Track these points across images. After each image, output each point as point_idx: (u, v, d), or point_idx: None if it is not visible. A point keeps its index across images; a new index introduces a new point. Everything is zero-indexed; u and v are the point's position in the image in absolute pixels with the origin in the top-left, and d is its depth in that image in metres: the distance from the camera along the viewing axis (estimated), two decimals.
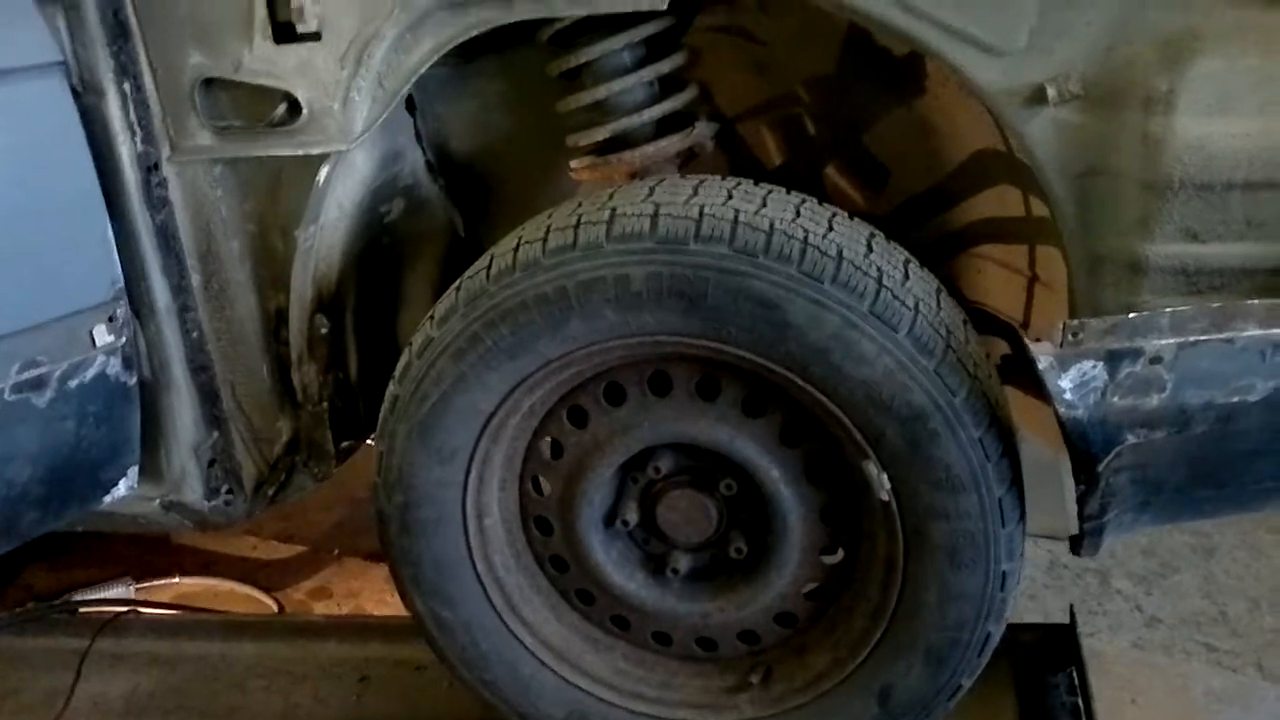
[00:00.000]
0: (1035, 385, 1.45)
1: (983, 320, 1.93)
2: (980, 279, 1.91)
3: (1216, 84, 1.34)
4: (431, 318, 1.59)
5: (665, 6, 1.50)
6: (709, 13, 1.75)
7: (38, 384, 1.63)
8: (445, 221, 1.98)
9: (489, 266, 1.54)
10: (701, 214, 1.45)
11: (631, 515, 1.67)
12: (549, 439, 1.67)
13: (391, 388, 1.63)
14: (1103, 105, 1.39)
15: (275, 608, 2.56)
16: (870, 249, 1.49)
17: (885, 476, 1.50)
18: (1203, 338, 1.37)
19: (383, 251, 1.89)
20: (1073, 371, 1.37)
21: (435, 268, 1.99)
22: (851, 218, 1.56)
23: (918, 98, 1.79)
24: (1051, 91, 1.40)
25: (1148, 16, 1.37)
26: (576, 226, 1.49)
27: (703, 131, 1.75)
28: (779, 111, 1.94)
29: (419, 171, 1.89)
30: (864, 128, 1.89)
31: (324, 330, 1.80)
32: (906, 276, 1.49)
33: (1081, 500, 1.47)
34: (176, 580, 2.68)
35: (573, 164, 1.79)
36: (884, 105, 1.84)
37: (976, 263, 1.91)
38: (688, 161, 1.79)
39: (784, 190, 1.57)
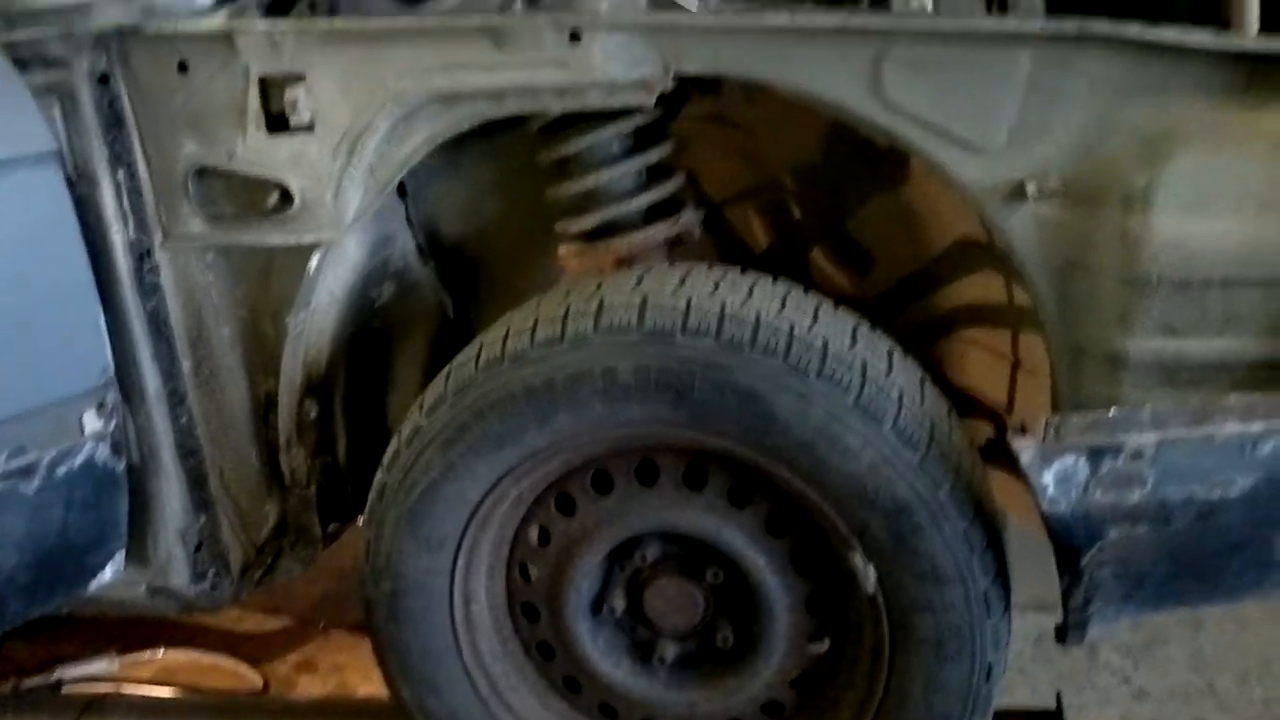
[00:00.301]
0: (1019, 472, 1.46)
1: (968, 403, 1.95)
2: (965, 363, 1.93)
3: (1193, 183, 1.37)
4: (420, 406, 1.60)
5: (653, 103, 1.53)
6: (696, 102, 1.78)
7: (26, 471, 1.63)
8: (435, 303, 1.99)
9: (478, 356, 1.55)
10: (689, 306, 1.47)
11: (619, 603, 1.67)
12: (537, 526, 1.68)
13: (380, 475, 1.64)
14: (1082, 202, 1.42)
15: (260, 682, 2.54)
16: (855, 340, 1.51)
17: (871, 568, 1.50)
18: (1182, 434, 1.38)
19: (372, 334, 1.90)
20: (1055, 466, 1.38)
21: (425, 349, 2.00)
22: (837, 307, 1.58)
23: (901, 185, 1.82)
24: (1031, 188, 1.43)
25: (1125, 116, 1.40)
26: (565, 318, 1.51)
27: (690, 219, 1.78)
28: (765, 197, 1.97)
29: (409, 255, 1.91)
30: (849, 213, 1.92)
31: (313, 414, 1.81)
32: (891, 368, 1.51)
33: (1066, 592, 1.48)
34: (161, 653, 2.65)
35: (562, 250, 1.81)
36: (868, 192, 1.87)
37: (961, 347, 1.93)
38: (675, 246, 1.82)
39: (770, 279, 1.59)
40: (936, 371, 1.95)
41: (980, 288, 1.81)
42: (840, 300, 1.91)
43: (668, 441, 1.55)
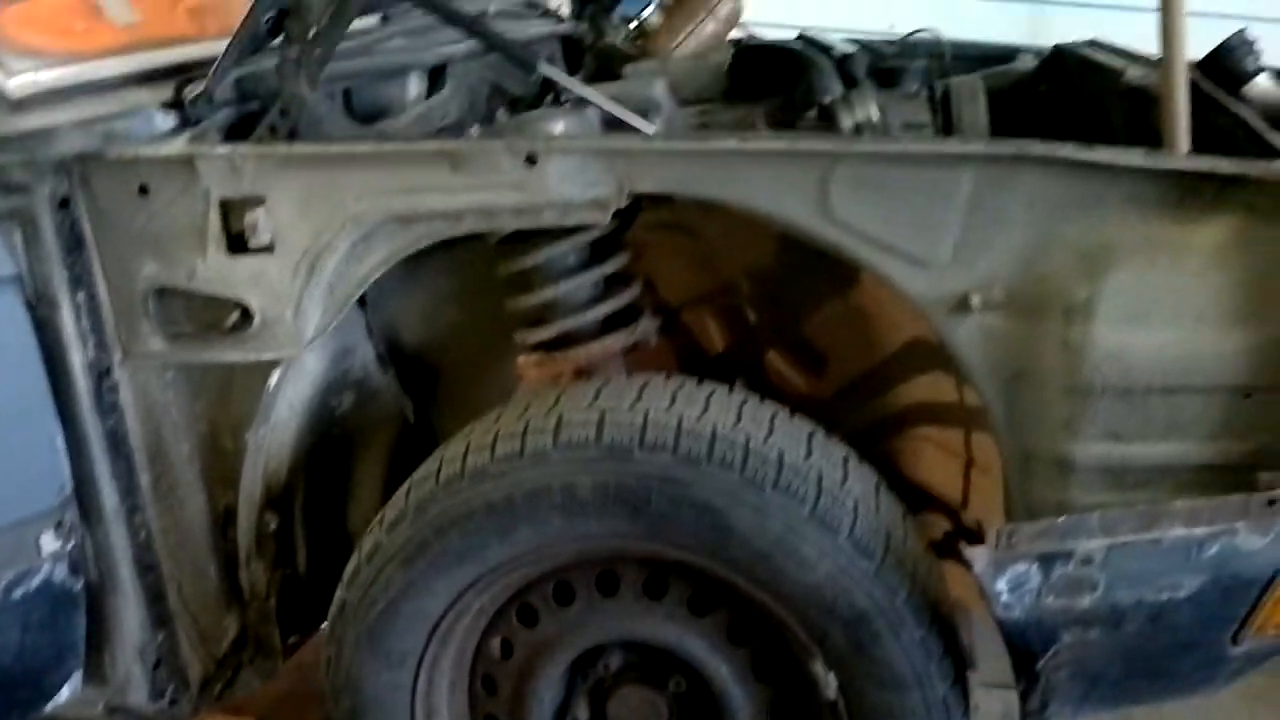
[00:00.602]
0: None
1: (924, 497, 1.98)
2: (920, 459, 1.96)
3: (1130, 296, 1.42)
4: (380, 522, 1.61)
5: (608, 220, 1.57)
6: (651, 210, 1.82)
7: None
8: (396, 410, 2.00)
9: (438, 472, 1.57)
10: (646, 421, 1.50)
11: (582, 713, 1.67)
12: (499, 638, 1.69)
13: (340, 592, 1.64)
14: (1026, 314, 1.47)
15: None
16: (810, 450, 1.54)
17: (831, 676, 1.52)
18: (1131, 539, 1.41)
19: (333, 443, 1.91)
20: (1008, 574, 1.40)
21: (385, 455, 2.01)
22: (792, 415, 1.61)
23: (852, 288, 1.86)
24: (976, 300, 1.47)
25: (1064, 231, 1.44)
26: (524, 434, 1.53)
27: (647, 327, 1.81)
28: (721, 301, 2.01)
29: (369, 364, 1.93)
30: (803, 316, 1.96)
31: (273, 526, 1.80)
32: (846, 476, 1.54)
33: (1024, 695, 1.50)
34: None
35: (521, 360, 1.83)
36: (821, 295, 1.91)
37: (916, 443, 1.96)
38: (633, 352, 1.84)
39: (726, 389, 1.62)
40: (892, 468, 1.98)
41: (932, 388, 1.85)
42: (796, 400, 1.95)
43: (628, 553, 1.57)
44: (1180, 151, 1.48)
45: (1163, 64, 1.51)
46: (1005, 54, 2.73)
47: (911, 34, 2.87)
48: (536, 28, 2.54)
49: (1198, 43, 1.71)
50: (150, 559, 1.78)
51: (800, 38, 2.81)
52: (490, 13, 2.37)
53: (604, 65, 2.80)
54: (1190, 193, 1.41)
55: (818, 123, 1.95)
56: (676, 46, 2.62)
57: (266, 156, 1.57)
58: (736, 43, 2.81)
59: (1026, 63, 2.54)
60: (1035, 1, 4.52)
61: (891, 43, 2.82)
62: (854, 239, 1.49)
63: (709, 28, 2.69)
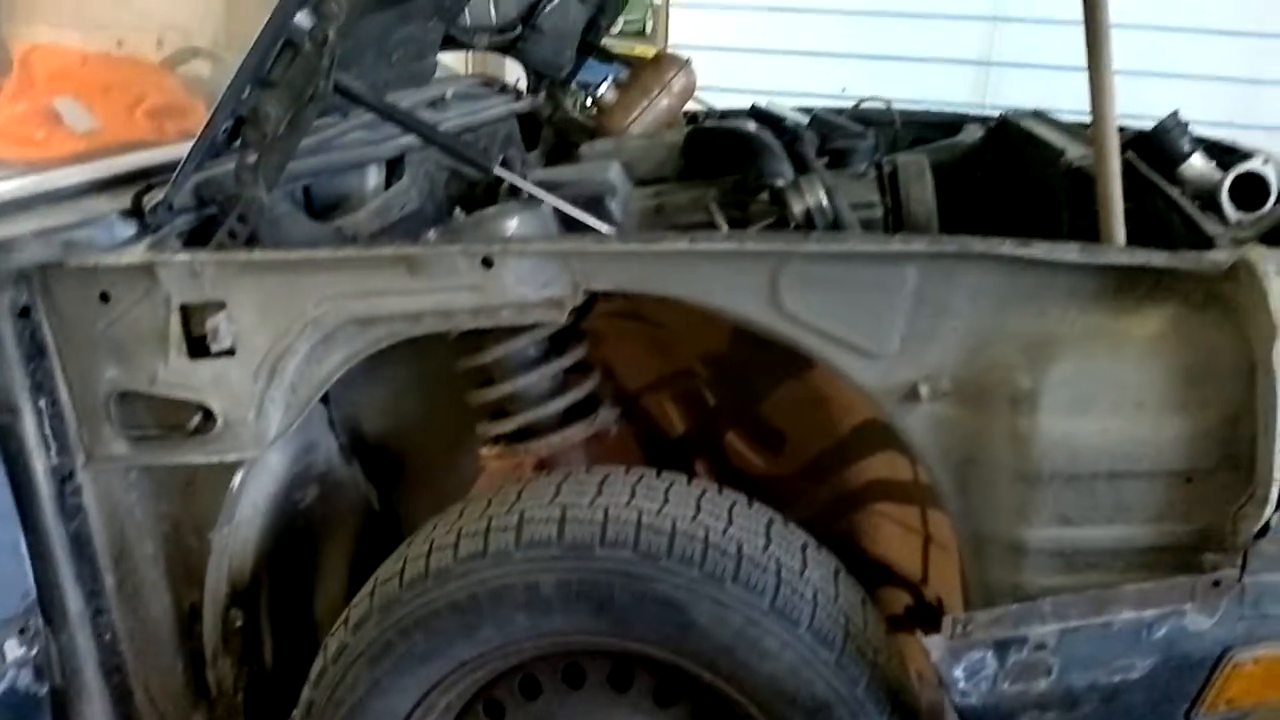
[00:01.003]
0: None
1: (884, 573, 2.01)
2: (879, 536, 1.99)
3: (1073, 386, 1.46)
4: (345, 622, 1.62)
5: (565, 320, 1.60)
6: (607, 300, 1.85)
7: None
8: (360, 500, 2.01)
9: (402, 572, 1.58)
10: (606, 518, 1.52)
11: None
12: None
13: (307, 692, 1.64)
14: (974, 402, 1.50)
15: None
16: (769, 539, 1.56)
17: None
18: (1082, 623, 1.45)
19: (297, 535, 1.92)
20: (964, 661, 1.44)
21: (351, 544, 2.02)
22: (750, 503, 1.64)
23: (808, 371, 1.89)
24: (924, 390, 1.51)
25: (1007, 323, 1.48)
26: (487, 532, 1.55)
27: (607, 417, 1.83)
28: (679, 386, 2.04)
29: (333, 457, 1.94)
30: (760, 398, 1.99)
31: (238, 623, 1.81)
32: (805, 565, 1.56)
33: None
34: None
35: (482, 451, 1.85)
36: (777, 378, 1.95)
37: (875, 520, 2.00)
38: (594, 440, 1.87)
39: (685, 480, 1.65)
40: (853, 544, 2.01)
41: (888, 466, 1.89)
42: (756, 480, 1.98)
43: (592, 646, 1.58)
44: (1117, 244, 1.53)
45: (1097, 158, 1.55)
46: (953, 122, 2.81)
47: (861, 101, 2.95)
48: (494, 109, 2.58)
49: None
50: (116, 660, 1.78)
51: (752, 109, 2.88)
52: (448, 97, 2.41)
53: (562, 137, 2.85)
54: (1127, 285, 1.45)
55: (769, 207, 2.00)
56: (632, 122, 2.68)
57: (226, 263, 1.59)
58: (692, 117, 2.88)
59: (973, 134, 2.61)
60: (982, 64, 4.64)
61: (841, 111, 2.89)
62: (805, 333, 1.52)
63: (664, 102, 2.75)
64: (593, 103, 2.83)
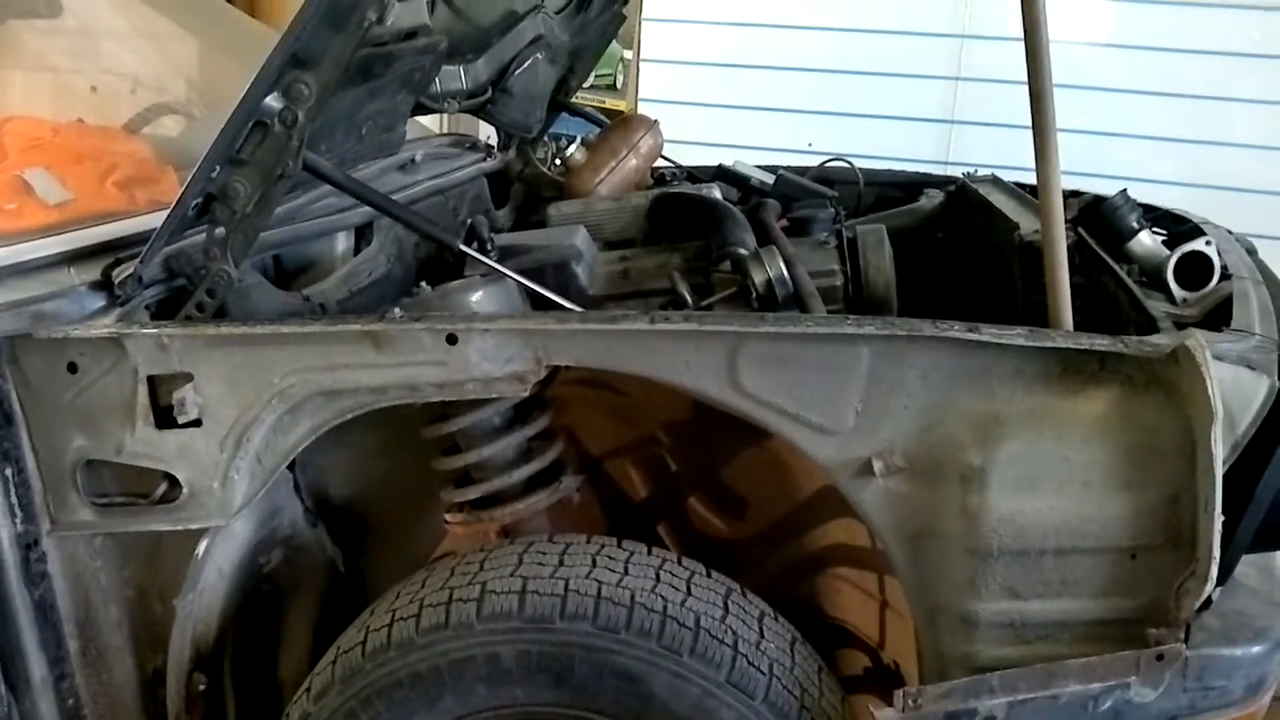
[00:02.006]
0: None
1: (844, 634, 2.04)
2: (837, 599, 2.03)
3: (1021, 464, 1.50)
4: (308, 690, 1.64)
5: (528, 393, 1.63)
6: (569, 368, 1.88)
7: None
8: (325, 562, 2.03)
9: (364, 642, 1.60)
10: (566, 590, 1.55)
11: None
12: None
13: None
14: (925, 478, 1.55)
15: None
16: (727, 610, 1.60)
17: None
18: (1030, 695, 1.49)
19: (262, 599, 1.93)
20: None
21: (315, 605, 2.03)
22: (709, 574, 1.67)
23: (767, 438, 1.93)
24: (878, 465, 1.55)
25: (957, 401, 1.53)
26: (449, 604, 1.57)
27: (570, 484, 1.87)
28: (642, 452, 2.07)
29: (298, 521, 1.95)
30: (721, 464, 2.03)
31: (202, 687, 1.81)
32: (762, 635, 1.60)
33: None
34: None
35: (447, 517, 1.88)
36: (738, 445, 1.99)
37: (835, 582, 2.03)
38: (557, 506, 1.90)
39: (645, 550, 1.68)
40: (812, 606, 2.05)
41: (846, 532, 1.93)
42: (718, 544, 2.01)
43: (553, 716, 1.60)
44: (1064, 327, 1.58)
45: (1045, 243, 1.61)
46: (914, 182, 2.87)
47: (826, 161, 3.01)
48: (464, 169, 2.62)
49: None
50: None
51: (719, 168, 2.94)
52: (417, 159, 2.45)
53: (532, 193, 2.90)
54: (1073, 367, 1.50)
55: (731, 276, 2.04)
56: (599, 183, 2.72)
57: (194, 336, 1.62)
58: (660, 177, 2.93)
59: (932, 200, 2.67)
60: (945, 122, 4.73)
61: (806, 170, 2.96)
62: (763, 409, 1.57)
63: (631, 163, 2.80)
64: (561, 163, 2.87)
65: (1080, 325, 1.62)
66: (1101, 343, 1.49)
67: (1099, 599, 1.52)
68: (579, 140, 2.88)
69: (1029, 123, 1.65)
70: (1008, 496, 1.50)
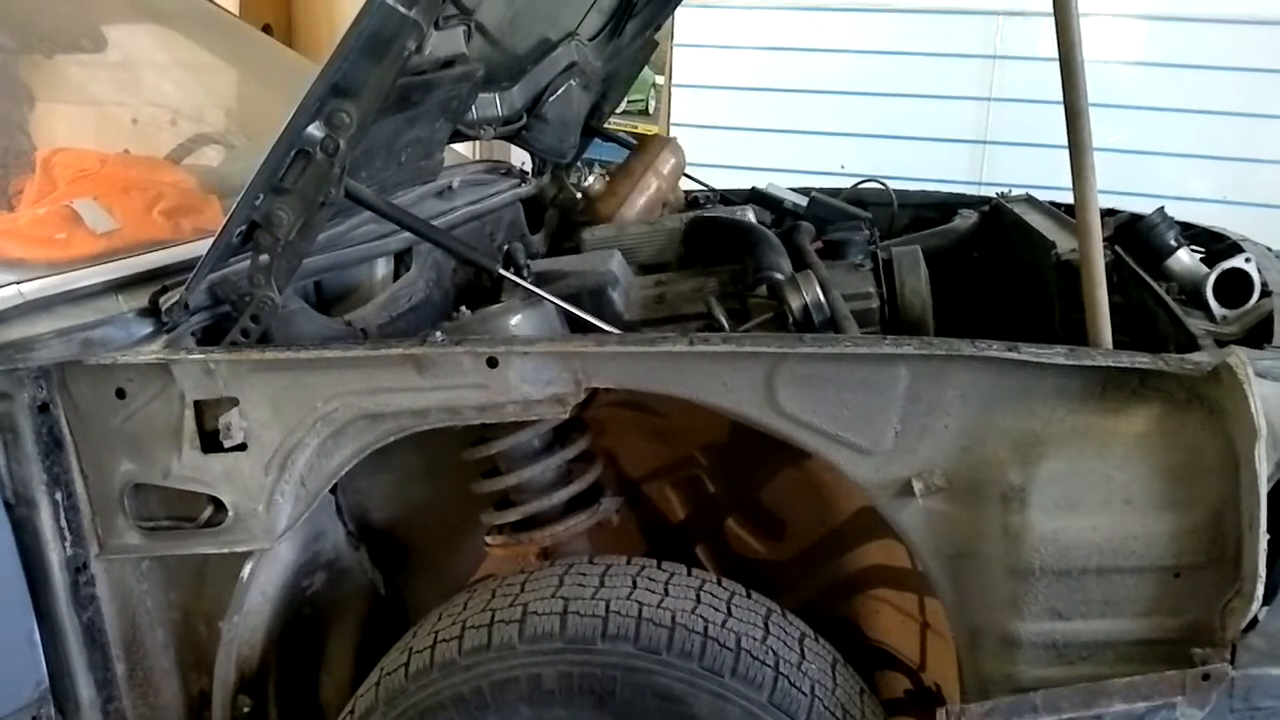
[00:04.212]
0: None
1: (884, 656, 2.03)
2: (877, 621, 2.02)
3: (1062, 483, 1.50)
4: (352, 712, 1.65)
5: (567, 415, 1.65)
6: (609, 390, 1.90)
7: None
8: (366, 585, 2.05)
9: (407, 665, 1.61)
10: (608, 611, 1.55)
11: None
12: None
13: None
14: (966, 498, 1.54)
15: None
16: (768, 631, 1.60)
17: None
18: (1074, 715, 1.48)
19: (304, 622, 1.95)
20: None
21: (357, 628, 2.05)
22: (749, 595, 1.67)
23: (806, 459, 1.93)
24: (918, 486, 1.55)
25: (997, 421, 1.53)
26: (490, 625, 1.58)
27: (608, 507, 1.87)
28: (680, 474, 2.07)
29: (340, 545, 1.97)
30: (760, 485, 2.03)
31: (246, 709, 1.83)
32: (803, 656, 1.60)
33: None
34: None
35: (487, 539, 1.89)
36: (776, 466, 1.99)
37: (874, 603, 2.02)
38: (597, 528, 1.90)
39: (685, 571, 1.68)
40: (852, 628, 2.04)
41: (885, 553, 1.92)
42: (756, 565, 2.01)
43: None
44: (1103, 345, 1.57)
45: (1083, 261, 1.61)
46: (948, 203, 2.87)
47: (860, 183, 3.02)
48: (499, 195, 2.65)
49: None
50: None
51: (752, 190, 2.95)
52: (454, 186, 2.48)
53: (566, 218, 2.92)
54: (1113, 385, 1.50)
55: (767, 301, 2.05)
56: (621, 205, 2.74)
57: (239, 361, 1.65)
58: (693, 200, 2.94)
59: (967, 220, 2.67)
60: (978, 143, 4.73)
61: (839, 191, 2.96)
62: (801, 430, 1.57)
63: (652, 182, 2.82)
64: (581, 195, 2.89)
65: (1119, 344, 1.62)
66: (1142, 360, 1.49)
67: (1142, 618, 1.51)
68: (598, 170, 2.90)
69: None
70: (1049, 516, 1.50)
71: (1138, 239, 2.00)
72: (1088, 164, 1.63)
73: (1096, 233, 1.60)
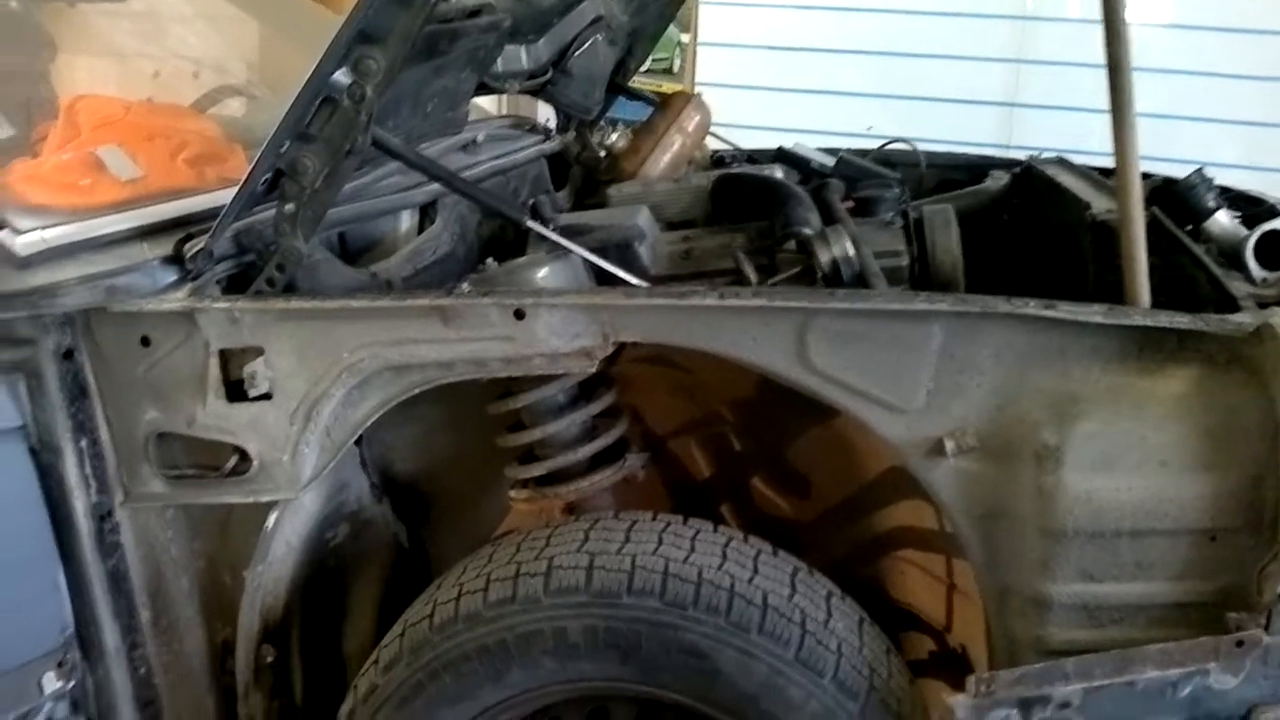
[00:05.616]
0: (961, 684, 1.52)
1: (910, 618, 2.02)
2: (903, 582, 2.00)
3: (1098, 444, 1.47)
4: (376, 662, 1.65)
5: (594, 369, 1.63)
6: (635, 345, 1.88)
7: None
8: (389, 537, 2.04)
9: (431, 615, 1.61)
10: (633, 566, 1.54)
11: None
12: None
13: None
14: (998, 457, 1.52)
15: None
16: (794, 589, 1.58)
17: None
18: (1106, 682, 1.46)
19: (328, 573, 1.95)
20: (989, 719, 1.45)
21: (380, 580, 2.04)
22: (775, 552, 1.66)
23: (833, 418, 1.91)
24: (950, 444, 1.53)
25: (1032, 380, 1.51)
26: (516, 578, 1.58)
27: (634, 463, 1.86)
28: (706, 430, 2.06)
29: (364, 496, 1.97)
30: (786, 443, 2.01)
31: (270, 659, 1.83)
32: (829, 615, 1.58)
33: None
34: None
35: (511, 494, 1.88)
36: (803, 424, 1.97)
37: (899, 566, 2.01)
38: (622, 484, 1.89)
39: (711, 527, 1.67)
40: (877, 589, 2.03)
41: (913, 514, 1.90)
42: (780, 524, 1.99)
43: (618, 692, 1.60)
44: (1142, 305, 1.54)
45: (1122, 219, 1.57)
46: (978, 165, 2.83)
47: (887, 143, 2.97)
48: (524, 151, 2.62)
49: None
50: (150, 694, 1.81)
51: (779, 150, 2.91)
52: (479, 140, 2.45)
53: (590, 175, 2.89)
54: (1151, 345, 1.47)
55: (796, 256, 2.02)
56: (644, 162, 2.71)
57: (265, 310, 1.63)
58: (719, 159, 2.91)
59: (998, 181, 2.63)
60: (1006, 105, 4.66)
61: (866, 152, 2.92)
62: (832, 386, 1.55)
63: (675, 139, 2.78)
64: (606, 152, 2.86)
65: (1157, 305, 1.59)
66: (1182, 321, 1.46)
67: (1176, 582, 1.49)
68: (623, 128, 2.87)
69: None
70: (1084, 476, 1.47)
71: (1176, 200, 1.96)
72: (1129, 119, 1.60)
73: (1137, 190, 1.57)
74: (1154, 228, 1.93)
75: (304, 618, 1.92)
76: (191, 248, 1.68)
